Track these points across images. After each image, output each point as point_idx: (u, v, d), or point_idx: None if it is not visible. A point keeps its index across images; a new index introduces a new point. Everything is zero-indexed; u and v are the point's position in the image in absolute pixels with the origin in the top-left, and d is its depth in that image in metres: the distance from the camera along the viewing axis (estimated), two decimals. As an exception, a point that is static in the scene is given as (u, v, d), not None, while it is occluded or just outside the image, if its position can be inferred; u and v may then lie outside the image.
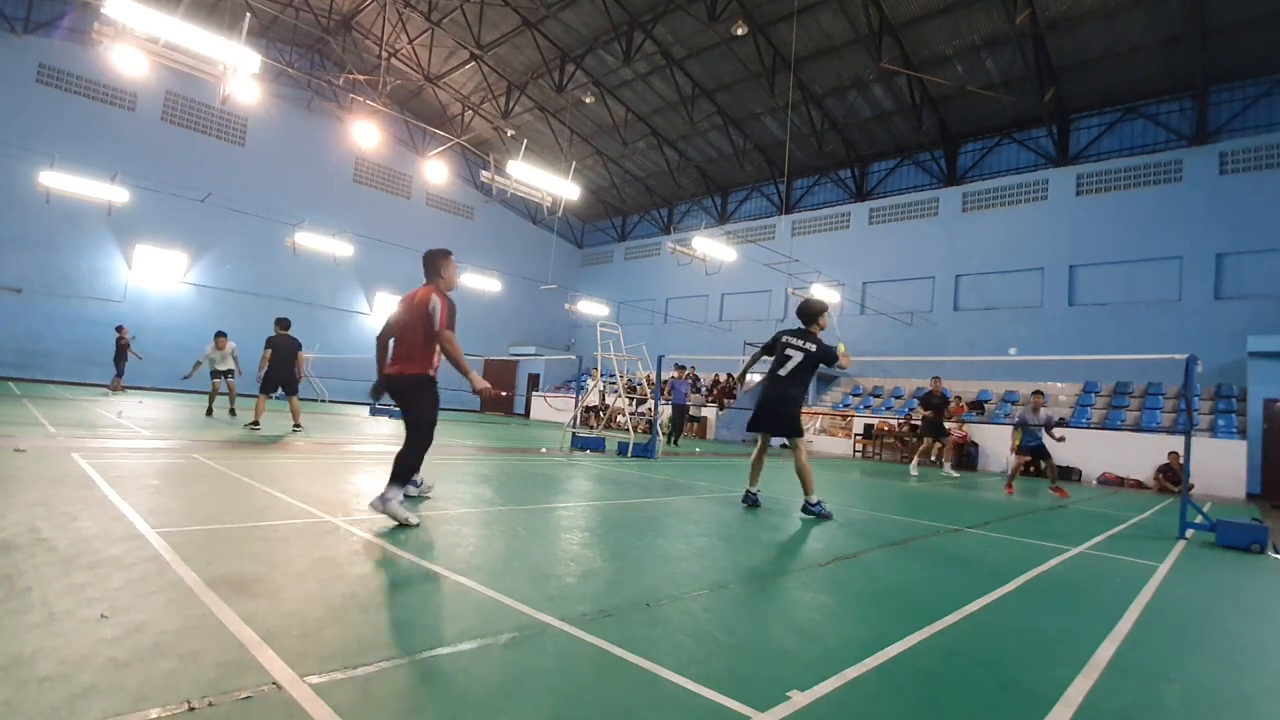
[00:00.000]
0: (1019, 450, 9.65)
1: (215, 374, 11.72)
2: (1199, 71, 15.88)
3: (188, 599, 2.24)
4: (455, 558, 3.15)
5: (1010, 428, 10.47)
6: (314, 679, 1.71)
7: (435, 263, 4.24)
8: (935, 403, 11.74)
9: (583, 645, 2.14)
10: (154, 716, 1.46)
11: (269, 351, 9.72)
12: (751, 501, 5.62)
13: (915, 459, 12.49)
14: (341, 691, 1.66)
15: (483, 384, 4.23)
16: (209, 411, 11.62)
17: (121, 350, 15.75)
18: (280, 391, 9.83)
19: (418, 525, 3.75)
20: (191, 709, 1.50)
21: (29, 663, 1.66)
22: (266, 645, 1.89)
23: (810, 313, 5.61)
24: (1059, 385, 17.30)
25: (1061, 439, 9.54)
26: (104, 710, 1.46)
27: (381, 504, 3.76)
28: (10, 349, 18.44)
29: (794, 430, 5.48)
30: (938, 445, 12.58)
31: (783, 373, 5.46)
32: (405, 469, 3.90)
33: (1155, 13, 14.75)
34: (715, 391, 21.42)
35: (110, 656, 1.73)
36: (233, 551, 2.90)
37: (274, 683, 1.67)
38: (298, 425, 9.75)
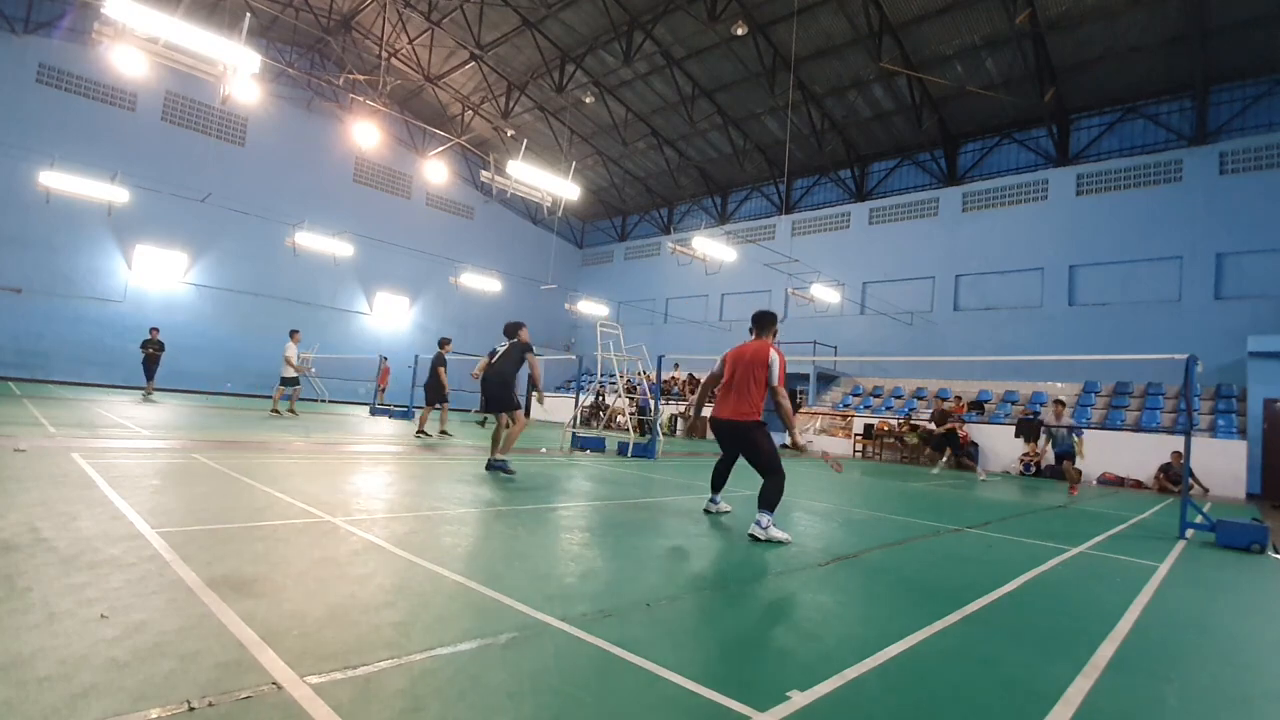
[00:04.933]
0: (1056, 454, 10.66)
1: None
2: (1199, 71, 15.87)
3: (188, 599, 2.24)
4: (455, 558, 3.15)
5: (1034, 430, 11.47)
6: (314, 679, 1.71)
7: (770, 323, 4.72)
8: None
9: (583, 645, 2.14)
10: (154, 716, 1.46)
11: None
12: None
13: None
14: (341, 691, 1.66)
15: (801, 440, 4.63)
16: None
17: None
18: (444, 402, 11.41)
19: (790, 542, 4.14)
20: (191, 709, 1.50)
21: (29, 663, 1.66)
22: (266, 645, 1.89)
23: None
24: (1059, 385, 17.29)
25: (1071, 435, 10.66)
26: (104, 710, 1.46)
27: (762, 530, 4.16)
28: (10, 349, 18.43)
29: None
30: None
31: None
32: (767, 499, 4.27)
33: (1155, 13, 14.75)
34: (715, 391, 21.40)
35: (110, 656, 1.73)
36: (233, 551, 2.90)
37: (274, 683, 1.67)
38: (420, 432, 10.82)
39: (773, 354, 4.49)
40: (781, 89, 18.59)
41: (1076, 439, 10.75)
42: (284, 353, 13.76)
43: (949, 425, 12.86)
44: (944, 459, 13.12)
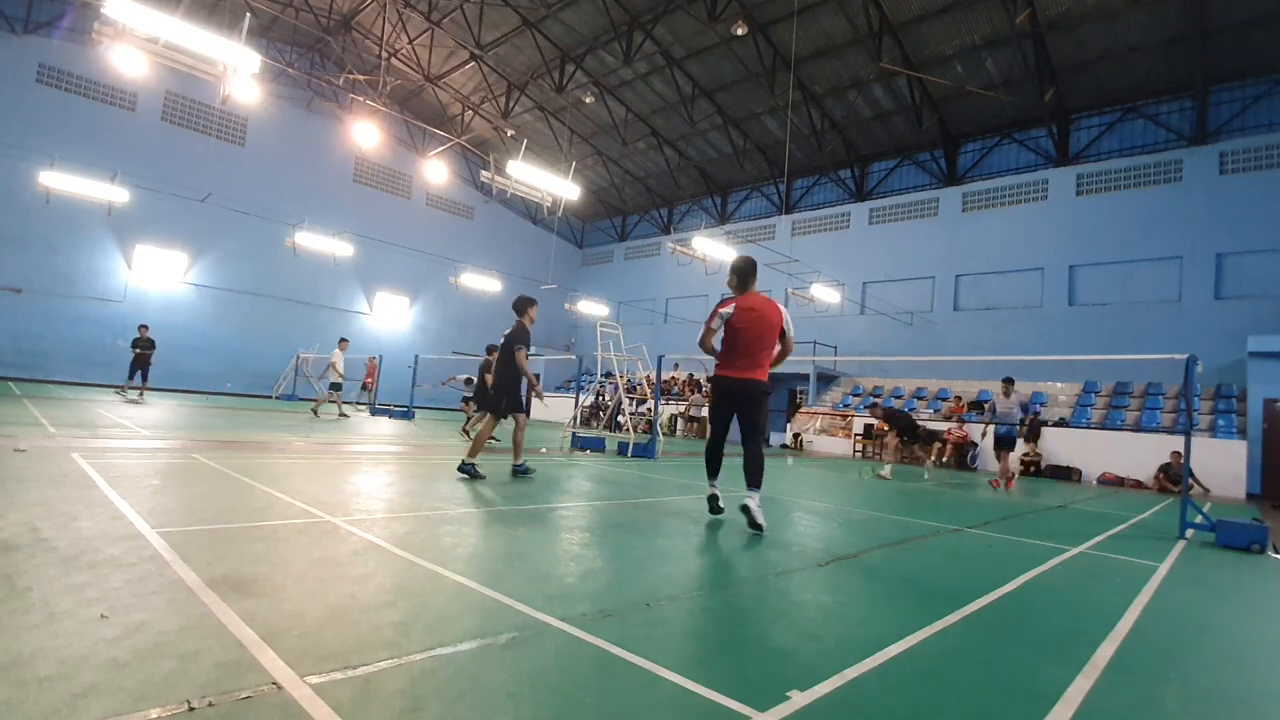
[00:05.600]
0: (996, 445, 10.08)
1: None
2: (1199, 71, 15.88)
3: (188, 599, 2.24)
4: (455, 558, 3.15)
5: (990, 425, 10.78)
6: (314, 679, 1.71)
7: (754, 272, 4.74)
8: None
9: (583, 645, 2.14)
10: (154, 716, 1.46)
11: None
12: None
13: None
14: (341, 691, 1.66)
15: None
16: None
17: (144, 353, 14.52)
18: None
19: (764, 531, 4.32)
20: (191, 709, 1.50)
21: (29, 663, 1.66)
22: (266, 645, 1.89)
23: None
24: (1059, 385, 17.30)
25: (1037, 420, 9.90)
26: (104, 710, 1.46)
27: (758, 510, 4.34)
28: (10, 349, 18.44)
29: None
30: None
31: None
32: (759, 473, 4.45)
33: (1155, 13, 14.75)
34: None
35: (110, 656, 1.73)
36: (233, 551, 2.89)
37: (274, 683, 1.67)
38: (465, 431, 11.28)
39: (785, 312, 4.66)
40: (781, 89, 18.59)
41: (1023, 421, 9.91)
42: (330, 359, 15.04)
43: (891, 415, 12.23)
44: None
